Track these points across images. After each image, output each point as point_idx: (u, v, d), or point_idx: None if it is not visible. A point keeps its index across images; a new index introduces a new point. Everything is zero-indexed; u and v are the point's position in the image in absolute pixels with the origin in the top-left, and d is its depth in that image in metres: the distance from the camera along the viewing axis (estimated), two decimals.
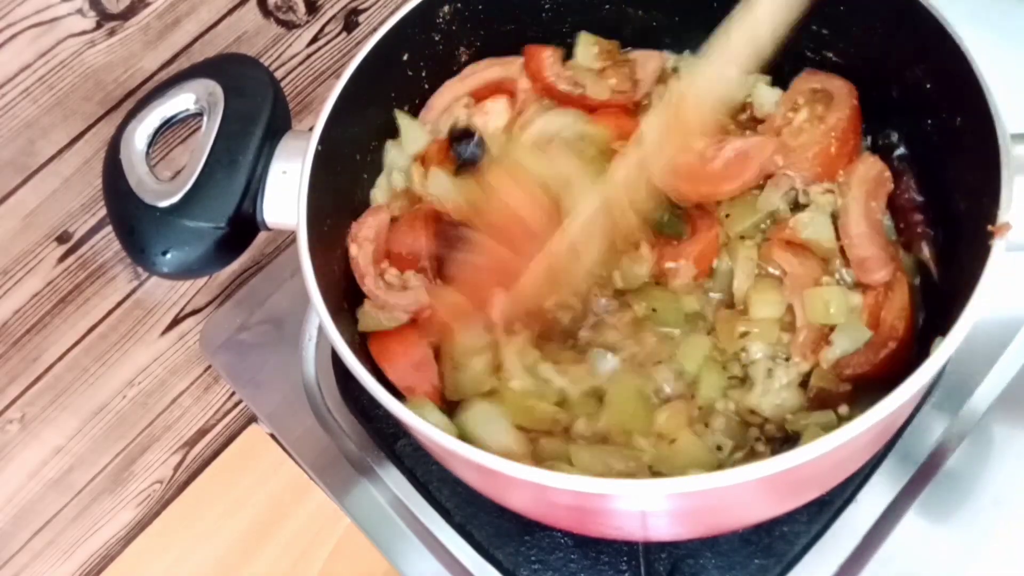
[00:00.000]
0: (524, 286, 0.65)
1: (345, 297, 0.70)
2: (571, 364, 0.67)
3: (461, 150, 0.76)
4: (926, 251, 0.67)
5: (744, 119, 0.77)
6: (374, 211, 0.74)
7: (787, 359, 0.66)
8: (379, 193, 0.76)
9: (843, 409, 0.64)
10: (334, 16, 0.92)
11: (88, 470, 0.90)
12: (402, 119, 0.76)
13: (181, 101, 0.68)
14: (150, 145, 0.67)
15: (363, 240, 0.71)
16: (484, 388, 0.66)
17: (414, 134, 0.76)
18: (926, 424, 0.75)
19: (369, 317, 0.70)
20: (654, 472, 0.62)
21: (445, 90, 0.79)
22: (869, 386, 0.64)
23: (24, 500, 0.85)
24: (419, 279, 0.70)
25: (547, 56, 0.78)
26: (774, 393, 0.64)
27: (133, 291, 0.86)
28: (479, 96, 0.79)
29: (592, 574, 0.74)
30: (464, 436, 0.63)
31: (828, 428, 0.60)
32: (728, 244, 0.70)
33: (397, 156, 0.76)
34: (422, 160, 0.77)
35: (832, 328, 0.65)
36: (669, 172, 0.69)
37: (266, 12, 0.85)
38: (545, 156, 0.72)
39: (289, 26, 0.88)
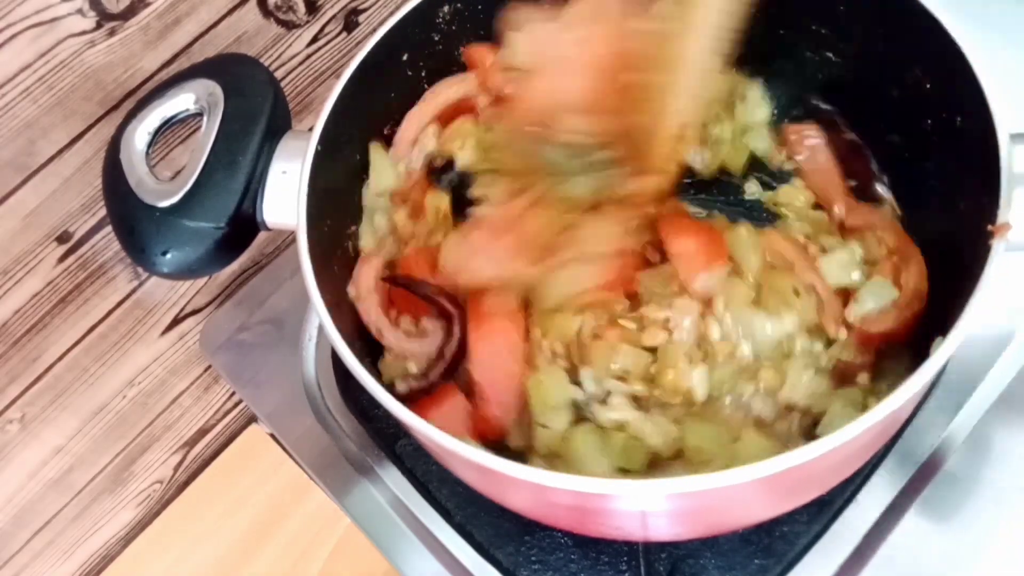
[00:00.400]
0: None
1: (345, 296, 0.70)
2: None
3: (448, 180, 0.76)
4: (883, 191, 0.71)
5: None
6: (365, 261, 0.71)
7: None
8: (366, 240, 0.73)
9: (862, 378, 0.64)
10: (334, 16, 0.92)
11: (88, 470, 0.90)
12: (374, 152, 0.73)
13: (181, 101, 0.68)
14: (150, 145, 0.67)
15: (366, 295, 0.70)
16: (556, 445, 0.64)
17: (382, 170, 0.73)
18: (926, 424, 0.75)
19: (392, 367, 0.70)
20: None
21: (409, 120, 0.76)
22: (890, 354, 0.65)
23: (24, 500, 0.85)
24: (434, 324, 0.69)
25: (490, 57, 0.74)
26: (803, 385, 0.64)
27: (133, 291, 0.86)
28: (445, 119, 0.76)
29: (592, 574, 0.74)
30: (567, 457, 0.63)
31: (854, 404, 0.62)
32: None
33: (375, 199, 0.74)
34: (403, 199, 0.74)
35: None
36: None
37: (266, 12, 0.85)
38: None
39: (289, 26, 0.88)
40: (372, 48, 0.68)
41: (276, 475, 0.93)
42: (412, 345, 0.69)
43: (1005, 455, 0.74)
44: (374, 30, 0.73)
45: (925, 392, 0.75)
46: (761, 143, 0.78)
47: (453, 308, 0.67)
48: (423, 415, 0.60)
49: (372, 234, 0.73)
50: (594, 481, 0.51)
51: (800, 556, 0.73)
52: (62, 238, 0.78)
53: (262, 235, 0.68)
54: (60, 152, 0.75)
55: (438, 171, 0.77)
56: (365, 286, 0.70)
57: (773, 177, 0.78)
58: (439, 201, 0.75)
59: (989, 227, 0.55)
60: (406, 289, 0.70)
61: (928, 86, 0.65)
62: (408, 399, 0.65)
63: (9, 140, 0.71)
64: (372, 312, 0.70)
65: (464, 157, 0.76)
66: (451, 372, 0.67)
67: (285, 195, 0.65)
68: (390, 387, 0.68)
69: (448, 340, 0.67)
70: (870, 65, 0.71)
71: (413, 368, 0.69)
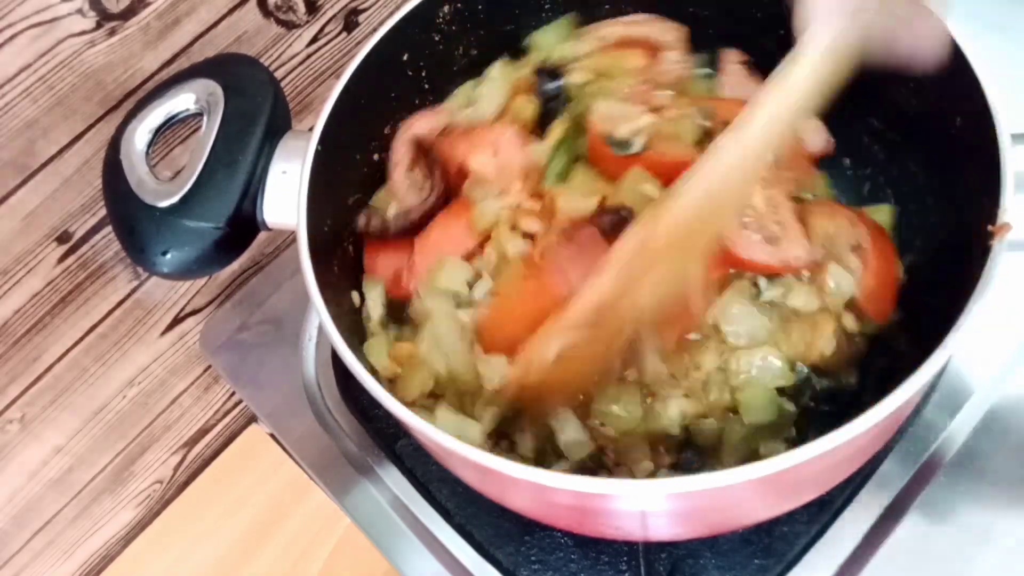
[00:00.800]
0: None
1: (345, 296, 0.70)
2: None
3: (542, 83, 0.76)
4: None
5: None
6: (435, 112, 0.76)
7: None
8: (457, 100, 0.77)
9: None
10: (334, 16, 0.92)
11: (88, 470, 0.90)
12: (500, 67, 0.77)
13: (181, 101, 0.68)
14: (150, 145, 0.67)
15: (407, 137, 0.74)
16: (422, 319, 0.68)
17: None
18: (926, 424, 0.75)
19: (379, 200, 0.74)
20: None
21: (601, 26, 0.79)
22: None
23: (24, 500, 0.85)
24: (429, 187, 0.72)
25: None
26: None
27: (133, 291, 0.86)
28: (621, 45, 0.78)
29: (592, 574, 0.74)
30: None
31: None
32: None
33: (496, 87, 0.76)
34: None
35: None
36: None
37: (266, 12, 0.85)
38: None
39: (289, 26, 0.88)
40: (372, 48, 0.68)
41: (276, 475, 0.93)
42: (406, 191, 0.73)
43: (1005, 455, 0.74)
44: (374, 30, 0.73)
45: (925, 392, 0.75)
46: None
47: (440, 179, 0.71)
48: (371, 252, 0.72)
49: (468, 98, 0.77)
50: (594, 481, 0.51)
51: (800, 556, 0.73)
52: (62, 238, 0.78)
53: (262, 235, 0.68)
54: (60, 152, 0.75)
55: (546, 74, 0.77)
56: (419, 126, 0.74)
57: None
58: (524, 108, 0.76)
59: (989, 227, 0.55)
60: (421, 151, 0.74)
61: (928, 86, 0.65)
62: (367, 235, 0.72)
63: (9, 140, 0.71)
64: (404, 147, 0.74)
65: (576, 75, 0.76)
66: (408, 231, 0.71)
67: (285, 195, 0.65)
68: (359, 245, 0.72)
69: (422, 204, 0.71)
70: (871, 65, 0.71)
71: (391, 213, 0.73)
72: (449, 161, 0.72)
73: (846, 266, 0.66)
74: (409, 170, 0.74)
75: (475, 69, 0.79)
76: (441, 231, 0.71)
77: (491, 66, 0.78)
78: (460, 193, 0.72)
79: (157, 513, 0.97)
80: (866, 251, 0.66)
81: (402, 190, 0.74)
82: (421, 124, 0.75)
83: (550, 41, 0.78)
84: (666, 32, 0.78)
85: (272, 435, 0.92)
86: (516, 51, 0.79)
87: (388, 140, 0.76)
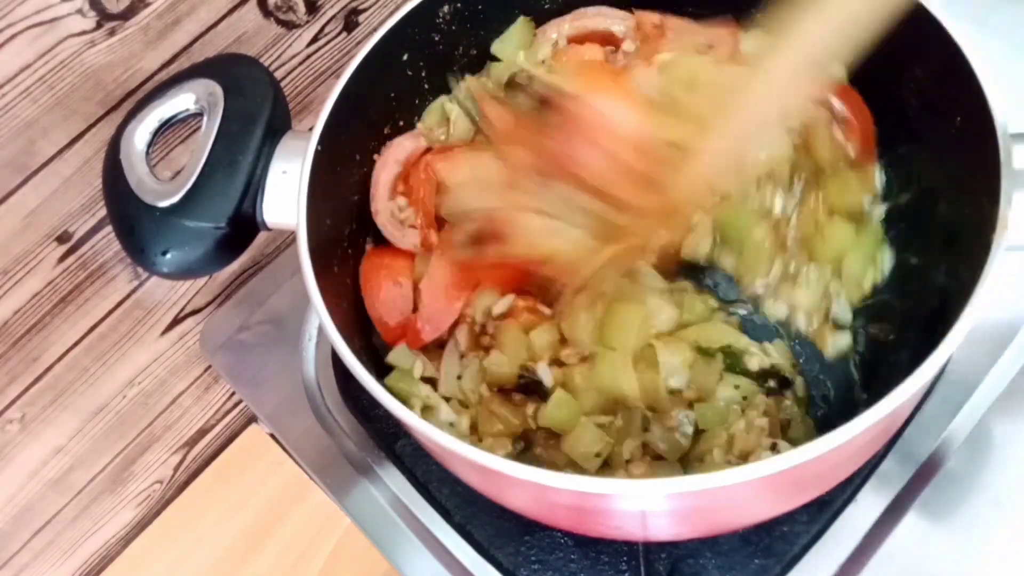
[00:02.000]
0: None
1: (345, 296, 0.70)
2: None
3: (512, 95, 0.75)
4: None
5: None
6: (412, 136, 0.75)
7: None
8: (430, 117, 0.77)
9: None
10: (334, 16, 0.92)
11: (88, 470, 0.90)
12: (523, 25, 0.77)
13: (181, 101, 0.68)
14: (150, 145, 0.67)
15: (391, 161, 0.73)
16: None
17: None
18: (926, 424, 0.75)
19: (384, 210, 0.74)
20: None
21: (549, 27, 0.78)
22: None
23: (24, 500, 0.85)
24: (419, 221, 0.72)
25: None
26: None
27: (133, 291, 0.86)
28: (575, 41, 0.77)
29: (592, 574, 0.74)
30: None
31: None
32: None
33: (464, 107, 0.76)
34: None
35: None
36: None
37: (266, 12, 0.85)
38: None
39: (289, 26, 0.88)
40: (372, 48, 0.68)
41: (276, 475, 0.93)
42: (396, 229, 0.73)
43: (1005, 455, 0.74)
44: (374, 30, 0.73)
45: (925, 392, 0.75)
46: None
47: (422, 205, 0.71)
48: (374, 277, 0.72)
49: (440, 116, 0.77)
50: (594, 481, 0.51)
51: (800, 556, 0.73)
52: (62, 238, 0.78)
53: (262, 235, 0.68)
54: (60, 152, 0.75)
55: (516, 85, 0.75)
56: (395, 155, 0.74)
57: None
58: (501, 121, 0.75)
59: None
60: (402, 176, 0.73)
61: (928, 86, 0.65)
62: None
63: (9, 140, 0.71)
64: (384, 180, 0.74)
65: (537, 83, 0.74)
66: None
67: (285, 195, 0.65)
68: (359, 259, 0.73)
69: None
70: (870, 65, 0.71)
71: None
72: (428, 182, 0.72)
73: (835, 138, 0.69)
74: (391, 198, 0.73)
75: (475, 69, 0.79)
76: (440, 276, 0.71)
77: (457, 85, 0.77)
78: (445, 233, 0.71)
79: (157, 513, 0.97)
80: (846, 119, 0.69)
81: (389, 227, 0.73)
82: (401, 148, 0.74)
83: (511, 48, 0.77)
84: (615, 22, 0.76)
85: (272, 435, 0.92)
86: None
87: (388, 140, 0.76)
